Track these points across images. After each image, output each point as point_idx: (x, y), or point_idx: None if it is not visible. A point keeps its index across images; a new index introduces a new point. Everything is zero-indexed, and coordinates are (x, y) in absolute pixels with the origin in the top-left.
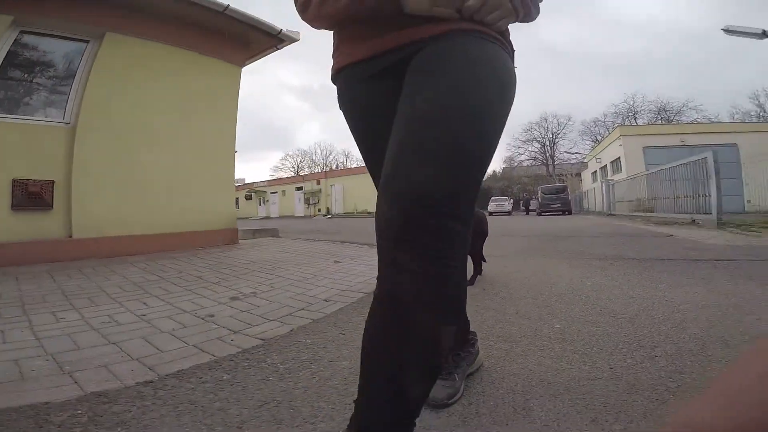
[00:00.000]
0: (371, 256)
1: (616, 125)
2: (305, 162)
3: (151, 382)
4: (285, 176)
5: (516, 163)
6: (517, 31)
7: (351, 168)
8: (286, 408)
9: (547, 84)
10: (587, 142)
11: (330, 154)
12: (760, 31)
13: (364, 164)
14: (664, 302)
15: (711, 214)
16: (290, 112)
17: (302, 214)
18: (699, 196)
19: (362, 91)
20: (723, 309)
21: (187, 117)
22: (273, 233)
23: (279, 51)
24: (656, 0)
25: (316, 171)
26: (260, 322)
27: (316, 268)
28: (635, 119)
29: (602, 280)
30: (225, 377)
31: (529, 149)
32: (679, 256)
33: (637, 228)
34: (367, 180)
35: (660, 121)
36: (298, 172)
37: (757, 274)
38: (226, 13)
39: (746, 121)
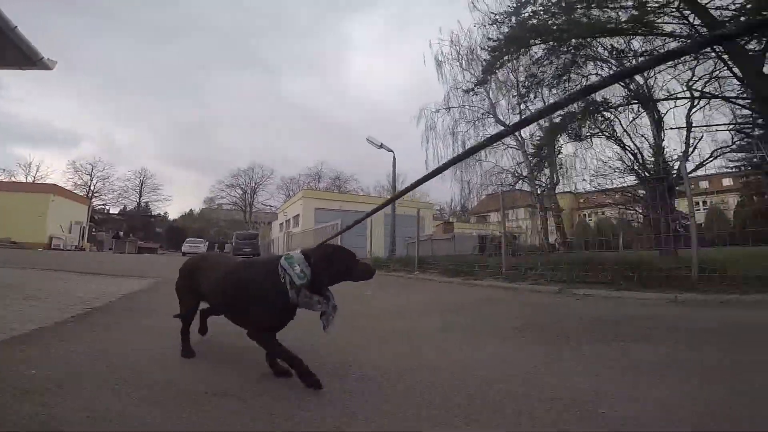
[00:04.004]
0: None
1: (303, 187)
2: None
3: None
4: None
5: (216, 206)
6: (258, 76)
7: None
8: None
9: (273, 133)
10: (282, 197)
11: None
12: (379, 143)
13: None
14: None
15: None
16: None
17: None
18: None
19: None
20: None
21: None
22: None
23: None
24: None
25: None
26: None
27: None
28: (319, 182)
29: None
30: None
31: (231, 194)
32: None
33: None
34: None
35: (334, 189)
36: None
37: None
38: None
39: (381, 195)
